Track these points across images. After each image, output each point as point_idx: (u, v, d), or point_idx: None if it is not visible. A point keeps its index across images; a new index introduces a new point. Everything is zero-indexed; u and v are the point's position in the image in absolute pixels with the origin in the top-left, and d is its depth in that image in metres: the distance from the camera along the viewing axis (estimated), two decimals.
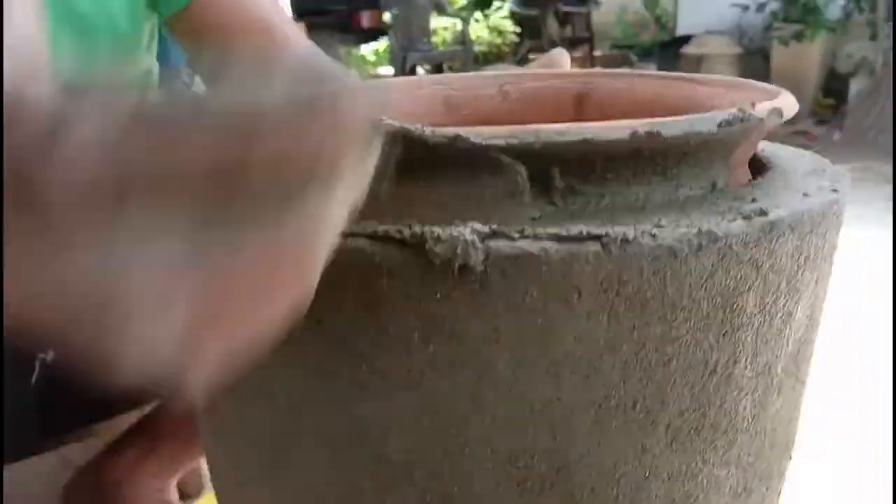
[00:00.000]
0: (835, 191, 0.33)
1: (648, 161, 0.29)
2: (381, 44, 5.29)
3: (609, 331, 0.27)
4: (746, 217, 0.28)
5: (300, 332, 0.29)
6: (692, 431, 0.30)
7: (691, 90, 0.44)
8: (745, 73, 4.48)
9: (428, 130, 0.28)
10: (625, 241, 0.26)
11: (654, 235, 0.26)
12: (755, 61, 4.45)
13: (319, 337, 0.28)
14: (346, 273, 0.27)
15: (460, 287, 0.26)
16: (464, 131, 0.28)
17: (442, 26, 5.74)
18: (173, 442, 0.92)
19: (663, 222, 0.27)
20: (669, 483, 0.31)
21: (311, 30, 4.25)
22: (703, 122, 0.29)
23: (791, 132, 3.99)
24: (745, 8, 4.40)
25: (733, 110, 0.30)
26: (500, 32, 5.93)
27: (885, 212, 2.60)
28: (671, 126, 0.28)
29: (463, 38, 5.24)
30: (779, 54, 4.32)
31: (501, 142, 0.27)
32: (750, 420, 0.32)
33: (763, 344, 0.30)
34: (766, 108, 0.31)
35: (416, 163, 0.28)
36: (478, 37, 5.62)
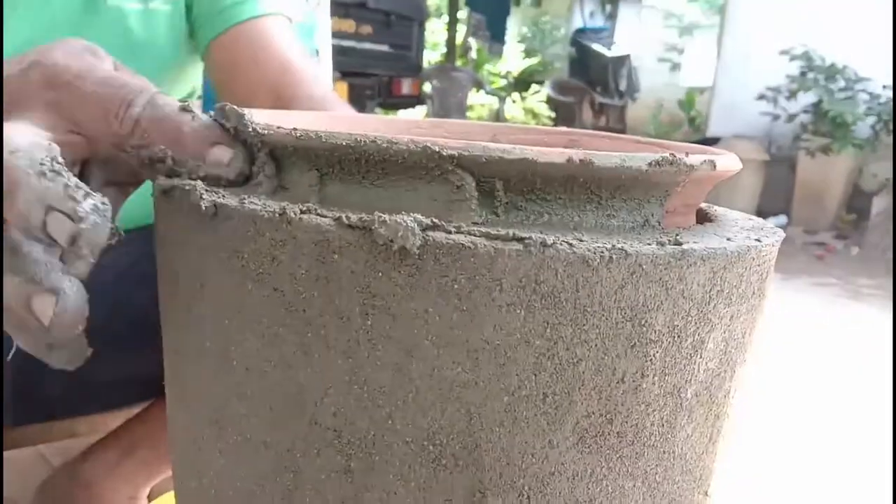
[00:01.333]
0: (758, 240, 0.36)
1: (584, 188, 0.33)
2: (419, 111, 5.46)
3: (525, 324, 0.30)
4: (661, 244, 0.32)
5: (259, 299, 0.32)
6: (598, 436, 0.33)
7: (660, 150, 0.48)
8: (770, 180, 4.56)
9: (388, 137, 0.32)
10: (544, 244, 0.30)
11: (570, 244, 0.30)
12: (781, 170, 4.52)
13: (275, 303, 0.32)
14: (303, 247, 0.31)
15: (399, 268, 0.30)
16: (427, 141, 0.32)
17: (479, 103, 5.92)
18: (150, 449, 0.94)
19: (584, 238, 0.31)
20: (574, 482, 0.33)
21: (352, 91, 4.41)
22: (635, 160, 0.33)
23: (810, 243, 4.02)
24: (776, 117, 4.50)
25: (665, 153, 0.34)
26: (535, 115, 6.10)
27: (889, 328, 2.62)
28: (604, 158, 0.32)
29: (498, 117, 5.37)
30: (805, 165, 4.39)
31: (455, 153, 0.31)
32: (657, 437, 0.35)
33: (672, 364, 0.33)
34: (699, 157, 0.35)
35: (378, 166, 0.33)
36: (512, 117, 5.79)
